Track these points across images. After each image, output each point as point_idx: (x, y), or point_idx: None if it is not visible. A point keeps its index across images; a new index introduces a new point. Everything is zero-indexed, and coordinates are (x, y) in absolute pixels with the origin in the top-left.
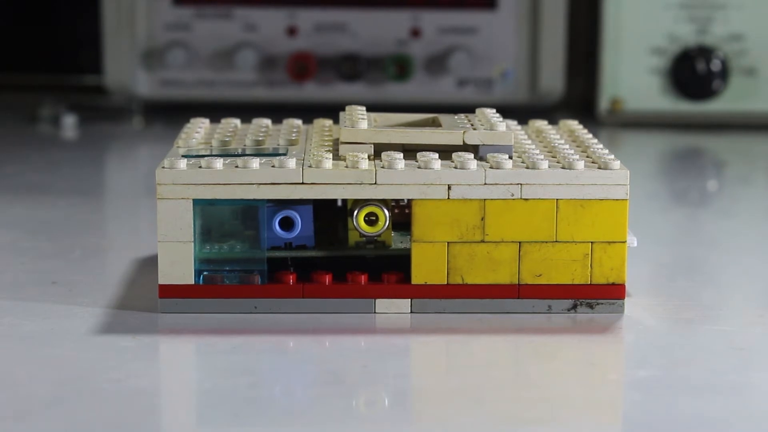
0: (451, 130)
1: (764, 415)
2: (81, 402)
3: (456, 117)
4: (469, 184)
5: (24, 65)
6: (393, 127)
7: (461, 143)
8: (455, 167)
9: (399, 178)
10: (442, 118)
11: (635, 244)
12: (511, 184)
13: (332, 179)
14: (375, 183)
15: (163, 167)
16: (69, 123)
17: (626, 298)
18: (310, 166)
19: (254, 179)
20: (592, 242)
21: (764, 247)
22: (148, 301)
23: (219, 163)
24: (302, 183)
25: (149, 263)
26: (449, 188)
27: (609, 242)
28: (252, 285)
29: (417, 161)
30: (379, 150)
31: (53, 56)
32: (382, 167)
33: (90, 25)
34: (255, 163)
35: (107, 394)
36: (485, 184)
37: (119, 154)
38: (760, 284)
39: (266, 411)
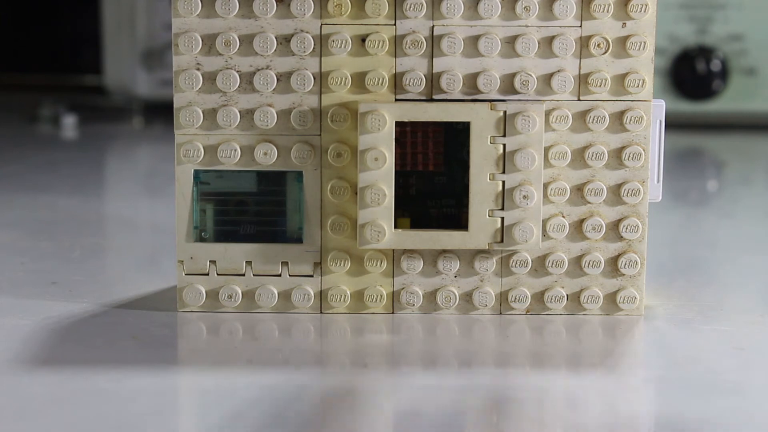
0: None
1: (764, 415)
2: (81, 402)
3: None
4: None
5: (24, 65)
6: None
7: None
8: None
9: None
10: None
11: (659, 199)
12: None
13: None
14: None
15: (184, 307)
16: (69, 123)
17: None
18: (321, 313)
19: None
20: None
21: (764, 247)
22: (148, 301)
23: (238, 295)
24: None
25: (149, 263)
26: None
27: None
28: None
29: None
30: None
31: (53, 56)
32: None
33: (90, 25)
34: (272, 298)
35: (107, 394)
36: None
37: (119, 154)
38: (760, 284)
39: (267, 411)
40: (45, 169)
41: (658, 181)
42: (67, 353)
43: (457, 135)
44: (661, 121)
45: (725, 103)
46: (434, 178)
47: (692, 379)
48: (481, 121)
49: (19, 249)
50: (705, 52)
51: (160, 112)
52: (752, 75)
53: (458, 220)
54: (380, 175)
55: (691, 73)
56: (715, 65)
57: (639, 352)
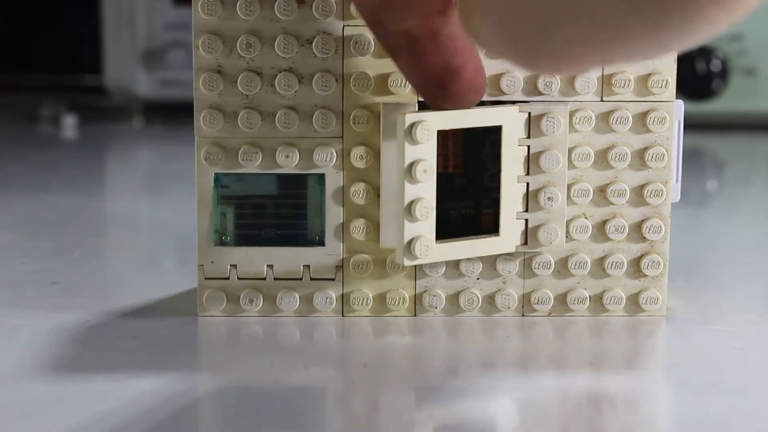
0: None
1: (764, 415)
2: (81, 402)
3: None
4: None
5: (24, 65)
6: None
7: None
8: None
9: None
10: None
11: (678, 199)
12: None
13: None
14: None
15: (205, 311)
16: (69, 123)
17: None
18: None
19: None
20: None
21: (764, 247)
22: (148, 301)
23: (259, 299)
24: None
25: (149, 263)
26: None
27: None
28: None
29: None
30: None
31: (53, 56)
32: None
33: (90, 25)
34: (294, 302)
35: (107, 394)
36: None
37: (119, 154)
38: (760, 284)
39: (267, 411)
40: (45, 169)
41: (677, 182)
42: (67, 354)
43: (476, 137)
44: (680, 121)
45: (725, 103)
46: (454, 180)
47: (692, 379)
48: (512, 124)
49: (19, 249)
50: (705, 52)
51: (160, 112)
52: (752, 75)
53: (480, 224)
54: (428, 188)
55: (691, 73)
56: (715, 65)
57: (638, 352)
